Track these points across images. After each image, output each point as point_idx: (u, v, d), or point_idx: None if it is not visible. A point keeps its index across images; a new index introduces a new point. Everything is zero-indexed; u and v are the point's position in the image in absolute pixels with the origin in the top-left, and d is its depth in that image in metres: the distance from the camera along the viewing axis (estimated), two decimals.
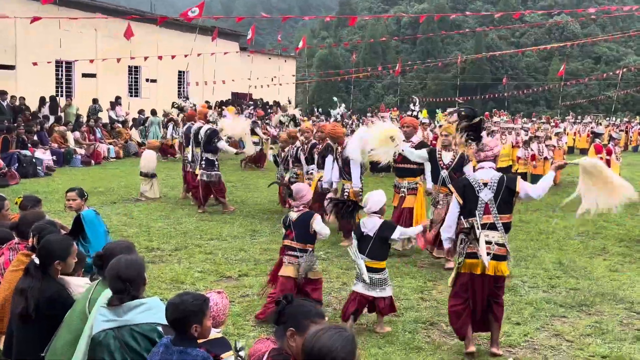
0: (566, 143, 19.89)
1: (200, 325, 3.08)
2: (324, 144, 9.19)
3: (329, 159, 8.76)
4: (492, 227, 5.02)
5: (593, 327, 5.86)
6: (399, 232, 5.62)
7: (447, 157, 7.71)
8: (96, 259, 3.75)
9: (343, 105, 33.18)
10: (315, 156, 9.51)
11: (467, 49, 61.74)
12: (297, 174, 10.16)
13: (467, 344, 5.11)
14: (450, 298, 5.21)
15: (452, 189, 5.27)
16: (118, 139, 20.66)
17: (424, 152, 7.83)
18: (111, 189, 13.11)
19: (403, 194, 8.20)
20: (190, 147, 11.42)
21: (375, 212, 5.62)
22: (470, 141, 5.54)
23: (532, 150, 15.74)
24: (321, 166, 9.11)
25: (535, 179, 15.43)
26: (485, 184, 5.09)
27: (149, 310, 3.27)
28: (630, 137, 30.80)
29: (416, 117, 16.78)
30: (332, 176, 8.71)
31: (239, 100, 30.31)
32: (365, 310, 5.65)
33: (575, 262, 8.17)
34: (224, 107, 24.79)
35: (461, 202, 5.14)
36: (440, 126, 8.92)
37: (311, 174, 9.69)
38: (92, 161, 18.14)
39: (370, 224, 5.62)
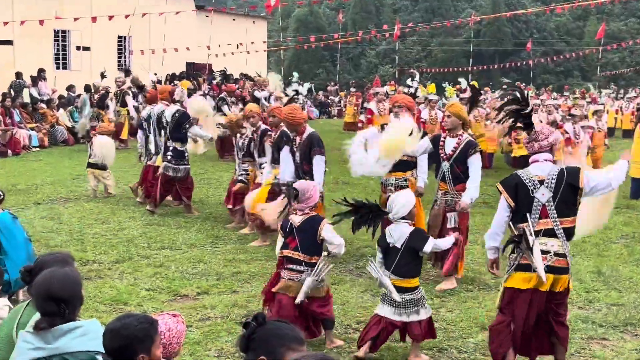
0: (606, 123, 20.02)
1: (147, 356, 3.08)
2: (277, 132, 9.07)
3: (285, 152, 8.42)
4: (551, 233, 5.14)
5: None
6: (432, 243, 5.70)
7: (449, 145, 7.65)
8: (25, 274, 3.74)
9: (307, 85, 33.16)
10: (268, 147, 9.29)
11: (482, 7, 62.18)
12: (248, 171, 9.95)
13: None
14: (496, 317, 5.39)
15: (501, 188, 5.35)
16: (42, 122, 20.51)
17: (426, 142, 7.85)
18: (34, 186, 13.08)
19: (390, 194, 8.11)
20: (152, 135, 11.28)
21: (403, 218, 5.72)
22: (519, 129, 5.65)
23: (566, 132, 15.89)
24: (277, 160, 8.76)
25: None
26: (541, 182, 5.20)
27: (86, 335, 3.27)
28: None
29: (414, 94, 16.86)
30: (287, 174, 8.31)
31: (196, 73, 30.22)
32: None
33: (618, 272, 8.32)
34: (176, 82, 24.69)
35: (513, 204, 5.25)
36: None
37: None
38: (9, 151, 18.01)
39: (397, 233, 5.70)
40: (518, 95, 5.58)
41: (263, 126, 9.74)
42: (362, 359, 5.60)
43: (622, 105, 28.65)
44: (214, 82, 25.07)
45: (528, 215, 5.14)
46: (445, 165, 7.65)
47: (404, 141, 7.58)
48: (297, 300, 5.72)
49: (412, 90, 20.09)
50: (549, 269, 5.09)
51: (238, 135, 10.08)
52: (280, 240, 6.08)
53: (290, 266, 5.83)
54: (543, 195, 5.16)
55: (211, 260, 8.43)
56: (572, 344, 6.02)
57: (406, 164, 8.25)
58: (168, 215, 10.89)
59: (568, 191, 5.15)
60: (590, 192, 5.25)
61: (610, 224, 10.84)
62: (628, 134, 24.11)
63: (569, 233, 5.19)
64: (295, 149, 8.23)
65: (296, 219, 5.88)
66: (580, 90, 33.52)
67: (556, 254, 5.11)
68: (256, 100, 19.19)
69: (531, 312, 5.19)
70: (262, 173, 9.44)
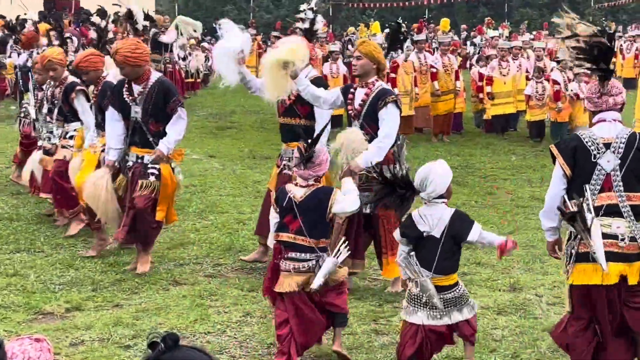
0: None
1: None
2: (100, 85, 8.76)
3: (111, 113, 8.25)
4: (615, 211, 5.27)
5: None
6: (479, 230, 5.71)
7: (359, 97, 7.52)
8: None
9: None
10: (78, 107, 9.16)
11: None
12: (51, 137, 9.67)
13: None
14: (567, 324, 5.52)
15: (556, 152, 5.46)
16: None
17: (336, 92, 7.72)
18: None
19: (287, 169, 8.00)
20: (30, 94, 11.05)
21: (439, 198, 5.69)
22: (595, 78, 5.60)
23: (555, 83, 16.24)
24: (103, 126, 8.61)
25: (559, 129, 16.01)
26: (607, 145, 5.32)
27: None
28: None
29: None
30: (113, 141, 8.25)
31: (57, 14, 29.55)
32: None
33: None
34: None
35: (569, 173, 5.38)
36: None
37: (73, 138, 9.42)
38: None
39: (433, 218, 5.67)
40: (599, 28, 5.50)
41: (70, 78, 9.44)
42: None
43: (621, 46, 29.14)
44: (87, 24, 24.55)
45: (587, 186, 5.26)
46: (356, 124, 7.52)
47: (284, 52, 7.48)
48: (314, 287, 5.74)
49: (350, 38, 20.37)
50: (615, 257, 5.20)
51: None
52: (274, 218, 6.05)
53: (293, 255, 5.87)
54: (608, 162, 5.29)
55: (85, 265, 8.33)
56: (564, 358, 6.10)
57: (308, 130, 7.80)
58: (24, 206, 10.67)
59: (638, 160, 5.28)
60: None
61: None
62: (630, 83, 24.76)
63: (638, 212, 5.30)
64: (132, 102, 8.09)
65: (297, 192, 5.87)
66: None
67: (625, 238, 5.24)
68: (160, 46, 18.97)
69: (610, 311, 5.30)
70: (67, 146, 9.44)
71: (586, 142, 5.35)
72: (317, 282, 5.74)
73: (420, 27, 22.08)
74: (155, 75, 8.18)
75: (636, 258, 5.27)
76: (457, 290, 5.70)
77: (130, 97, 8.06)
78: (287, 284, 5.82)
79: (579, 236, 5.26)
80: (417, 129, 17.74)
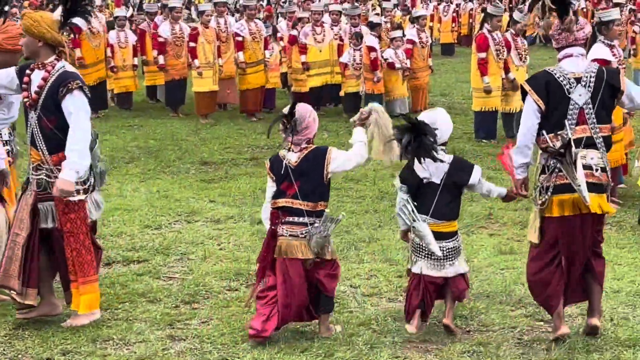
0: None
1: None
2: None
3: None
4: (590, 144, 5.75)
5: None
6: (479, 173, 6.16)
7: (35, 82, 6.31)
8: None
9: None
10: None
11: None
12: None
13: (558, 324, 5.85)
14: (531, 262, 6.00)
15: (527, 87, 5.89)
16: None
17: (8, 74, 6.51)
18: None
19: None
20: None
21: (443, 144, 6.15)
22: (551, 16, 6.00)
23: (371, 50, 15.83)
24: None
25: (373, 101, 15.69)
26: (577, 80, 5.79)
27: None
28: None
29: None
30: None
31: None
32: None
33: None
34: None
35: (544, 107, 5.78)
36: None
37: None
38: None
39: (433, 164, 6.05)
40: None
41: None
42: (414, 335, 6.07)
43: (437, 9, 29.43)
44: None
45: (566, 121, 5.71)
46: (32, 117, 6.31)
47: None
48: (308, 265, 6.02)
49: None
50: (592, 187, 5.67)
51: None
52: (271, 187, 6.19)
53: (291, 219, 6.03)
54: (580, 96, 5.74)
55: None
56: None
57: None
58: None
59: (607, 93, 5.78)
60: (628, 98, 5.90)
61: None
62: (448, 49, 24.76)
63: (608, 143, 5.82)
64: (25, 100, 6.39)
65: (292, 157, 6.06)
66: None
67: (599, 168, 5.73)
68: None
69: (583, 243, 5.80)
70: None
71: (557, 77, 5.79)
72: (314, 247, 5.95)
73: None
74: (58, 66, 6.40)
75: (604, 189, 5.82)
76: (457, 240, 6.18)
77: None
78: (282, 249, 6.03)
79: (555, 169, 5.72)
80: (219, 105, 17.07)
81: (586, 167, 5.67)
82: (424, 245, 6.03)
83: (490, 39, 13.52)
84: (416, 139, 5.95)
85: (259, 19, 18.31)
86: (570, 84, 5.75)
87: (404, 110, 16.00)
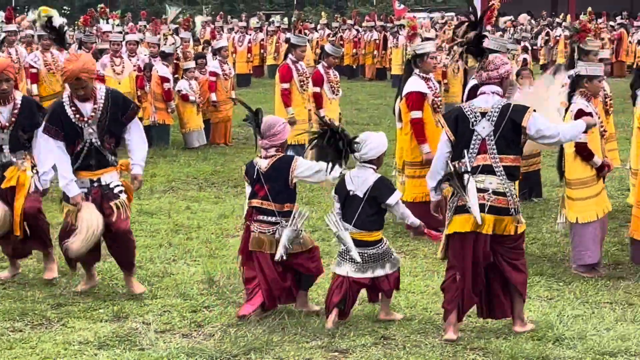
0: None
1: None
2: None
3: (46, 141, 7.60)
4: (489, 170, 6.48)
5: None
6: (398, 197, 6.96)
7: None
8: None
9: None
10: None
11: None
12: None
13: (446, 327, 6.65)
14: (446, 272, 6.80)
15: (442, 121, 6.76)
16: None
17: None
18: None
19: None
20: None
21: (369, 162, 6.89)
22: (469, 56, 6.76)
23: (164, 81, 15.70)
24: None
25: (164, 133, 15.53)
26: (483, 114, 6.54)
27: None
28: None
29: None
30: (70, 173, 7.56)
31: None
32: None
33: (236, 278, 8.28)
34: None
35: (452, 138, 6.61)
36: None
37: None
38: None
39: (359, 179, 6.91)
40: (466, 16, 6.76)
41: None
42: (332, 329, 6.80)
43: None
44: None
45: (465, 150, 6.49)
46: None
47: None
48: (277, 257, 6.89)
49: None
50: (488, 209, 6.42)
51: None
52: (247, 188, 7.19)
53: (261, 217, 7.00)
54: (484, 128, 6.50)
55: None
56: None
57: None
58: None
59: (510, 127, 6.48)
60: (536, 134, 6.55)
61: (227, 211, 11.04)
62: None
63: (510, 172, 6.51)
64: (82, 124, 7.49)
65: (262, 163, 6.98)
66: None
67: (495, 193, 6.44)
68: None
69: (477, 258, 6.52)
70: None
71: (466, 111, 6.60)
72: (279, 252, 6.87)
73: (10, 16, 20.10)
74: (102, 89, 7.69)
75: (506, 212, 6.48)
76: (380, 247, 6.92)
77: (82, 119, 7.47)
78: (255, 243, 6.98)
79: (455, 192, 6.51)
80: None
81: (482, 190, 6.43)
82: (346, 250, 6.85)
83: (294, 69, 13.55)
84: (329, 142, 6.71)
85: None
86: (476, 118, 6.52)
87: (202, 142, 16.01)
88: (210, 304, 7.58)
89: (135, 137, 7.72)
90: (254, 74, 29.63)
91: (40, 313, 7.26)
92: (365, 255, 6.85)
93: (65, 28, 12.60)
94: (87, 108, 7.46)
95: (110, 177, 7.59)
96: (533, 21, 38.51)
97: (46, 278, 8.07)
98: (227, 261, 8.92)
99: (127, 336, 6.77)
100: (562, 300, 7.70)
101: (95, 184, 7.55)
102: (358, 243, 6.84)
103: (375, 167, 6.95)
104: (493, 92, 6.61)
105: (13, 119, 7.80)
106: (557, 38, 32.55)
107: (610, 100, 9.52)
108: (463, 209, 6.48)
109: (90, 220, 7.35)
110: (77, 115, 7.44)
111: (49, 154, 7.57)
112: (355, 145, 6.79)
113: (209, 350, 6.55)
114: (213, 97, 16.26)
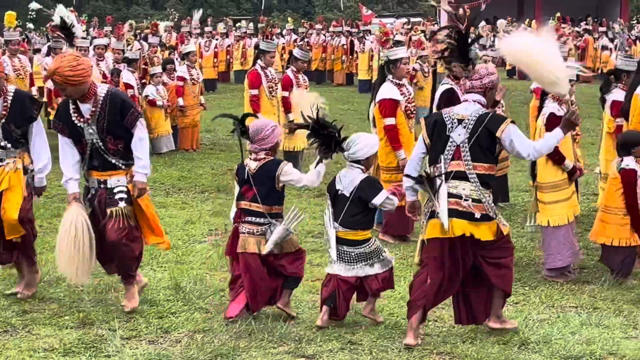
0: None
1: None
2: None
3: (62, 139, 7.52)
4: (462, 177, 6.54)
5: None
6: (385, 196, 7.03)
7: None
8: None
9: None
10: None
11: None
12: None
13: (408, 332, 6.71)
14: (418, 270, 6.94)
15: (423, 123, 6.84)
16: None
17: None
18: None
19: None
20: None
21: (357, 162, 7.05)
22: (453, 63, 7.11)
23: (128, 87, 15.60)
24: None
25: None
26: (460, 121, 6.62)
27: None
28: None
29: None
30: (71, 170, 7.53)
31: None
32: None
33: (203, 284, 8.25)
34: None
35: (428, 141, 6.75)
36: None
37: None
38: None
39: (347, 179, 7.08)
40: (451, 25, 6.88)
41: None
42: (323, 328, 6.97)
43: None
44: None
45: (441, 155, 6.58)
46: None
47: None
48: (265, 251, 7.03)
49: None
50: (460, 214, 6.50)
51: None
52: (236, 189, 7.36)
53: (249, 219, 7.13)
54: (459, 135, 6.57)
55: None
56: None
57: None
58: None
59: (484, 136, 6.55)
60: (509, 147, 6.62)
61: (194, 216, 11.02)
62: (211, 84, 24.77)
63: (484, 180, 6.56)
64: (84, 123, 7.39)
65: (252, 165, 7.12)
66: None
67: (471, 199, 6.51)
68: None
69: (453, 263, 6.59)
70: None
71: (445, 117, 6.69)
72: (268, 246, 7.02)
73: None
74: (103, 89, 7.48)
75: (484, 219, 6.54)
76: (368, 247, 7.04)
77: (81, 119, 7.35)
78: (242, 244, 7.10)
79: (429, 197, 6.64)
80: None
81: (454, 195, 6.51)
82: (327, 247, 7.10)
83: (263, 75, 13.49)
84: (317, 136, 7.07)
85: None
86: (453, 124, 6.61)
87: (170, 147, 15.97)
88: (177, 310, 7.55)
89: (137, 144, 7.42)
90: (220, 80, 29.57)
91: (5, 320, 7.22)
92: (353, 254, 7.00)
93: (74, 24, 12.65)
94: (85, 108, 7.33)
95: (116, 181, 7.41)
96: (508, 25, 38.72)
97: (26, 293, 7.80)
98: (194, 267, 8.92)
99: (93, 343, 6.74)
100: (527, 304, 7.78)
101: (102, 186, 7.43)
102: (344, 242, 7.00)
103: (363, 168, 7.07)
104: (474, 101, 6.70)
105: (4, 112, 7.62)
106: None
107: (576, 106, 9.57)
108: (436, 214, 6.59)
109: (64, 224, 7.29)
110: (76, 115, 7.34)
111: (60, 150, 7.51)
112: (345, 144, 7.02)
113: (176, 356, 6.55)
114: (180, 101, 16.21)
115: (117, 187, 7.41)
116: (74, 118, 7.36)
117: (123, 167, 7.46)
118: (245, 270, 7.11)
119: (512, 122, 6.64)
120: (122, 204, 7.38)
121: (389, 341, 6.80)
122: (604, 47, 31.30)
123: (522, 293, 8.01)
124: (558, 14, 26.41)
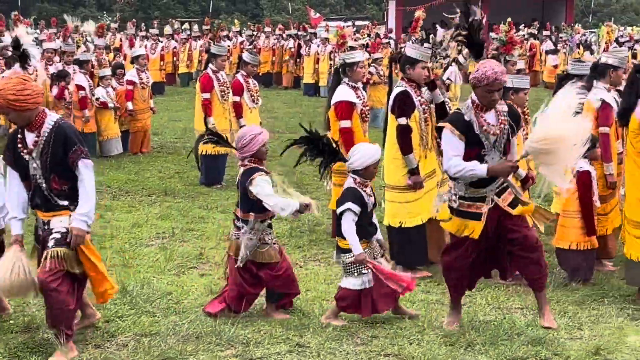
0: None
1: None
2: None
3: (11, 173, 6.87)
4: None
5: None
6: (341, 209, 7.18)
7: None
8: None
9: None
10: None
11: None
12: None
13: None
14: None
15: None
16: None
17: None
18: None
19: None
20: None
21: (354, 172, 7.23)
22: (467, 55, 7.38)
23: (79, 89, 15.45)
24: None
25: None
26: None
27: None
28: None
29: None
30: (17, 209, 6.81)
31: None
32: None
33: (150, 287, 8.29)
34: None
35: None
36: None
37: None
38: None
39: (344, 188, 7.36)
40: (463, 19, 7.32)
41: None
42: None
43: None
44: None
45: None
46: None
47: None
48: (238, 263, 7.24)
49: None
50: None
51: None
52: None
53: (235, 222, 7.44)
54: None
55: None
56: None
57: None
58: None
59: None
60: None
61: (141, 220, 10.96)
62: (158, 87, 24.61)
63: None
64: (27, 155, 6.67)
65: (239, 171, 7.36)
66: None
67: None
68: None
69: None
70: None
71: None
72: (240, 256, 7.22)
73: None
74: (52, 119, 6.67)
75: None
76: (349, 257, 7.17)
77: (25, 150, 6.63)
78: (228, 246, 7.52)
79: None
80: None
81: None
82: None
83: (215, 79, 13.47)
84: (311, 146, 7.30)
85: None
86: None
87: (119, 150, 15.85)
88: (124, 314, 7.51)
89: (80, 187, 6.61)
90: (167, 82, 29.38)
91: None
92: (344, 262, 7.22)
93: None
94: (30, 138, 6.64)
95: (58, 222, 6.62)
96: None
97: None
98: (141, 270, 8.88)
99: (39, 347, 6.70)
100: (473, 306, 7.86)
101: (45, 227, 6.70)
102: (339, 249, 7.28)
103: (356, 177, 7.20)
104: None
105: None
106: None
107: (527, 109, 9.65)
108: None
109: (1, 267, 6.66)
110: (20, 145, 6.64)
111: (8, 184, 6.86)
112: (348, 156, 7.34)
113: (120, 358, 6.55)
114: (129, 105, 16.07)
115: (55, 228, 6.64)
116: (19, 148, 6.65)
117: (71, 207, 6.66)
118: (230, 271, 7.42)
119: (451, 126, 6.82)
120: (54, 245, 6.56)
121: (337, 343, 6.84)
122: (548, 52, 31.73)
123: (469, 294, 8.06)
124: (509, 19, 26.50)
